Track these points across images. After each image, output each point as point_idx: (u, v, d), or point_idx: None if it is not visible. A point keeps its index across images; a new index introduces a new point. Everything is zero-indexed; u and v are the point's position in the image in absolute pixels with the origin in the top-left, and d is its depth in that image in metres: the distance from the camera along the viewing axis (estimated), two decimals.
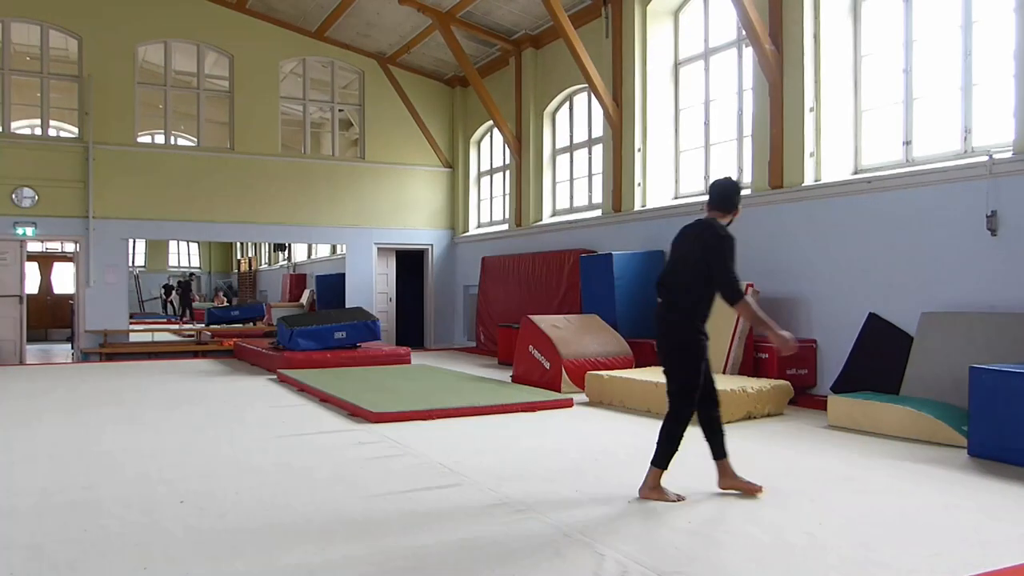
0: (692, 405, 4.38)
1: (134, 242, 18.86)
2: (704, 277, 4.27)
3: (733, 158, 9.76)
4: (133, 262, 21.01)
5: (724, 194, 4.51)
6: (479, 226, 15.96)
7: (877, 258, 7.60)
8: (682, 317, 4.32)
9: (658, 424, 4.33)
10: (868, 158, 8.18)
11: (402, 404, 7.34)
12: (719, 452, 4.46)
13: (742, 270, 9.02)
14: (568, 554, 3.45)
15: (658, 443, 4.39)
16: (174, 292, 23.02)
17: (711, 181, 4.65)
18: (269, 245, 22.93)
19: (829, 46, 8.29)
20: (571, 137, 13.13)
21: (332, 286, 16.46)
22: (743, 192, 9.15)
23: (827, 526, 3.85)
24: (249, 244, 24.29)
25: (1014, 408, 5.12)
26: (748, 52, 9.24)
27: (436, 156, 16.18)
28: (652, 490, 4.32)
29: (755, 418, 7.03)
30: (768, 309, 8.63)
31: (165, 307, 23.33)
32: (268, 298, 22.55)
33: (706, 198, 4.74)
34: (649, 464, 4.39)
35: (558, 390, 8.61)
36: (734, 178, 4.56)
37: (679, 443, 4.38)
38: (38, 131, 13.84)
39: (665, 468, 4.37)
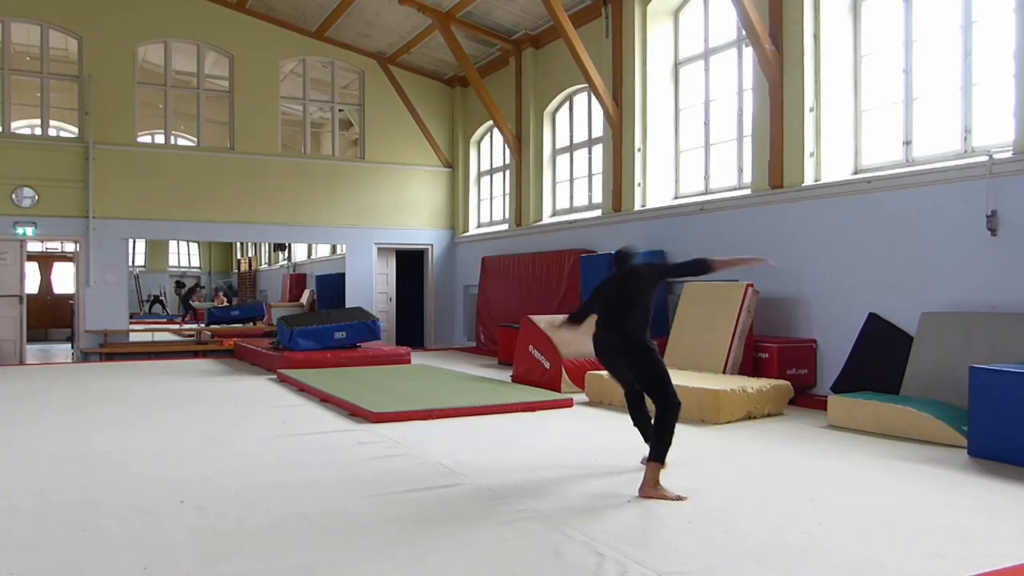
0: (675, 394, 4.62)
1: (134, 242, 18.84)
2: (644, 306, 4.86)
3: (733, 158, 9.76)
4: (133, 262, 20.99)
5: (630, 257, 5.14)
6: (479, 226, 15.96)
7: (877, 258, 7.61)
8: (637, 333, 4.79)
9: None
10: (868, 158, 8.18)
11: (402, 404, 7.34)
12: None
13: (743, 269, 9.03)
14: (568, 554, 3.45)
15: (656, 438, 4.50)
16: (175, 293, 23.04)
17: (617, 251, 5.27)
18: (269, 245, 22.91)
19: (829, 46, 8.29)
20: (571, 137, 13.13)
21: (332, 286, 16.45)
22: (744, 193, 9.22)
23: (827, 526, 3.85)
24: (249, 244, 24.27)
25: (1014, 408, 5.12)
26: (748, 52, 9.24)
27: (436, 156, 16.18)
28: (652, 488, 4.36)
29: (755, 418, 7.03)
30: (768, 309, 8.65)
31: (151, 308, 23.28)
32: (268, 298, 22.53)
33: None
34: (648, 461, 4.46)
35: (558, 390, 8.61)
36: (631, 248, 5.23)
37: (671, 434, 4.57)
38: (38, 131, 13.85)
39: (664, 464, 4.46)
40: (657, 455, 4.45)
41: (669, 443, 4.51)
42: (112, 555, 3.47)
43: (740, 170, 9.61)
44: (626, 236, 10.92)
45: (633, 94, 10.84)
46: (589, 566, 3.30)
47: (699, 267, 4.92)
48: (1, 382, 10.01)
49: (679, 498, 4.30)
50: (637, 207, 10.86)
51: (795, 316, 8.45)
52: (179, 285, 22.87)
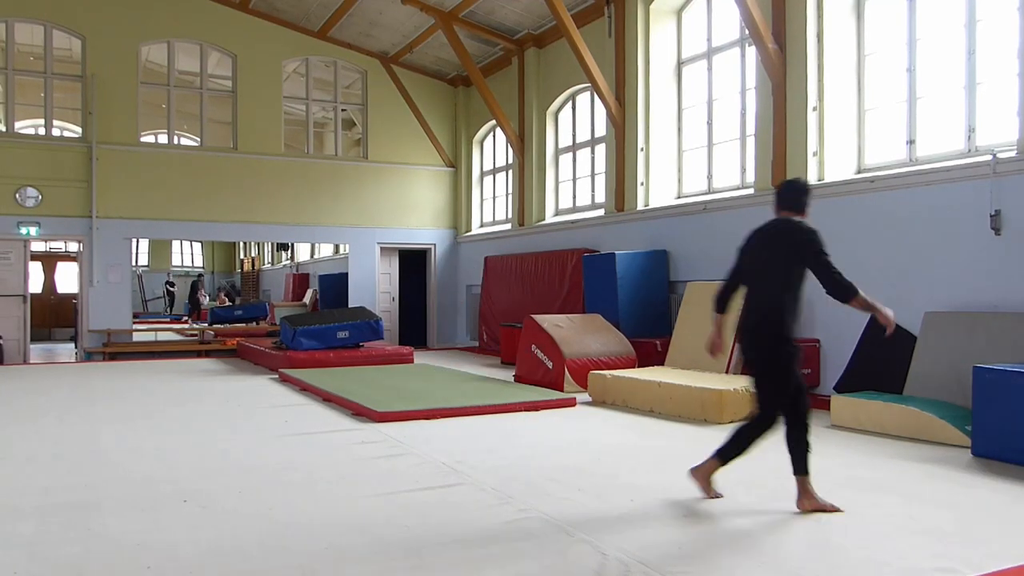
0: (773, 407, 4.12)
1: (137, 241, 18.88)
2: (787, 281, 4.06)
3: (736, 157, 9.75)
4: (136, 261, 21.04)
5: (797, 194, 4.30)
6: (482, 226, 15.96)
7: (880, 258, 7.58)
8: (771, 329, 4.07)
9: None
10: (871, 157, 8.16)
11: (405, 403, 7.34)
12: (798, 467, 4.10)
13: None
14: (570, 553, 3.45)
15: (730, 441, 4.20)
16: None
17: (782, 181, 4.38)
18: (272, 244, 22.95)
19: (832, 45, 8.27)
20: (574, 136, 13.12)
21: (335, 285, 16.47)
22: (747, 192, 9.20)
23: (830, 526, 3.85)
24: (252, 244, 24.32)
25: (1018, 408, 5.11)
26: (751, 51, 9.22)
27: (439, 156, 16.18)
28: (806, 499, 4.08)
29: None
30: None
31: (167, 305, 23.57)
32: (271, 297, 22.57)
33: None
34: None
35: (561, 390, 8.60)
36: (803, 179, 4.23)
37: (748, 445, 4.18)
38: (42, 131, 13.86)
39: (724, 460, 4.22)
40: (798, 468, 4.02)
41: (736, 451, 4.17)
42: (115, 554, 3.47)
43: (743, 169, 9.59)
44: (629, 236, 10.91)
45: (636, 93, 10.83)
46: (592, 565, 3.30)
47: (842, 293, 4.03)
48: (5, 381, 10.04)
49: (834, 509, 4.00)
50: (640, 207, 10.85)
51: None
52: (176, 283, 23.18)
